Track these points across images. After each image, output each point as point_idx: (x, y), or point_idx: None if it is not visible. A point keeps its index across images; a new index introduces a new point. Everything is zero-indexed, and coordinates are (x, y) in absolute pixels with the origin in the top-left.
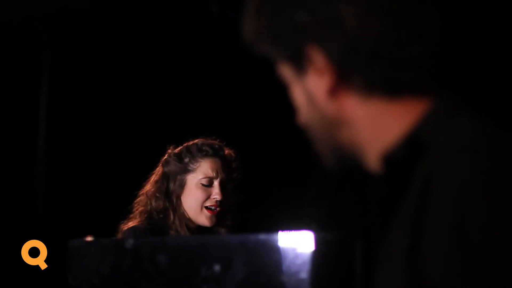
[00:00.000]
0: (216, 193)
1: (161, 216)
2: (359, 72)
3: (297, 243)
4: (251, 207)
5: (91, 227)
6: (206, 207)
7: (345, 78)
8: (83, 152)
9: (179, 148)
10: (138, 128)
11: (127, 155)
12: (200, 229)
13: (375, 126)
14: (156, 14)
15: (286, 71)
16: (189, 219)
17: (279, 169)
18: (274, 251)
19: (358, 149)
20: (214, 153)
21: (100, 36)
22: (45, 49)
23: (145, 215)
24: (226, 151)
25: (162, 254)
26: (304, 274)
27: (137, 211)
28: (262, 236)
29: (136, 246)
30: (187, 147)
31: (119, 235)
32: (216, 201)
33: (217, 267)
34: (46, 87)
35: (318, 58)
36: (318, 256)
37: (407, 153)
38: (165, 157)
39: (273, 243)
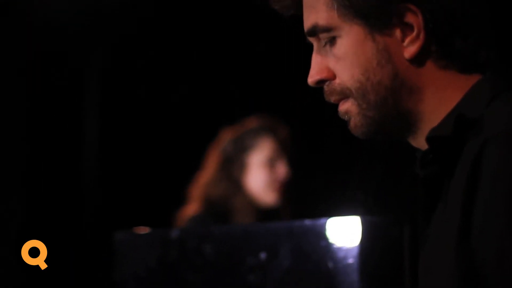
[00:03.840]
0: (281, 170)
1: (222, 201)
2: (446, 40)
3: (344, 229)
4: (297, 192)
5: (145, 218)
6: (271, 186)
7: (433, 43)
8: (134, 139)
9: (234, 129)
10: (189, 111)
11: (178, 142)
12: (263, 212)
13: (440, 97)
14: None
15: (343, 28)
16: (253, 201)
17: (325, 153)
18: (321, 238)
19: (417, 118)
20: (274, 130)
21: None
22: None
23: (204, 202)
24: (283, 128)
25: (207, 244)
26: (351, 260)
27: (195, 198)
28: (308, 223)
29: (181, 237)
30: (245, 127)
31: (178, 224)
32: (282, 178)
33: (263, 256)
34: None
35: (414, 18)
36: (366, 241)
37: (455, 130)
38: (220, 139)
39: (320, 229)
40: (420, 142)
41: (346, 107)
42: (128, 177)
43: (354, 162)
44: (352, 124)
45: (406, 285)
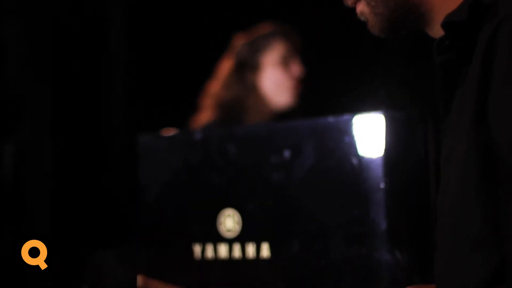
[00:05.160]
0: (295, 69)
1: (235, 104)
2: None
3: (368, 125)
4: (319, 89)
5: (160, 122)
6: (286, 86)
7: None
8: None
9: (247, 34)
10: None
11: (191, 47)
12: (278, 114)
13: None
14: None
15: None
16: (267, 103)
17: (347, 50)
18: (345, 134)
19: (429, 7)
20: (287, 33)
21: None
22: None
23: (217, 107)
24: (296, 32)
25: (230, 144)
26: (375, 155)
27: (208, 106)
28: (332, 119)
29: (204, 138)
30: (258, 31)
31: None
32: (296, 77)
33: (286, 154)
34: None
35: None
36: (390, 136)
37: (471, 15)
38: (233, 45)
39: (343, 125)
40: (436, 31)
41: (361, 8)
42: (152, 80)
43: (375, 59)
44: (369, 24)
45: (430, 177)
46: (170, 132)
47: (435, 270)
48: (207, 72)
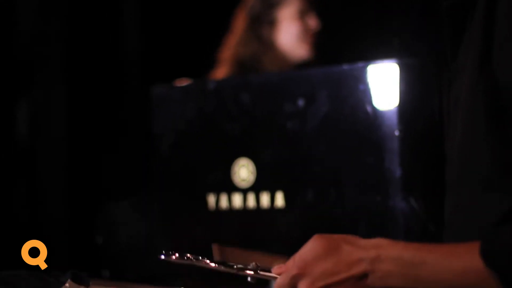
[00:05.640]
0: (312, 21)
1: (252, 61)
2: None
3: (382, 73)
4: (333, 38)
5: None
6: (303, 39)
7: None
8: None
9: None
10: None
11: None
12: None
13: None
14: None
15: None
16: (284, 59)
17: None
18: (359, 82)
19: None
20: None
21: None
22: None
23: (234, 64)
24: None
25: (244, 93)
26: (389, 103)
27: (225, 61)
28: (346, 67)
29: (218, 87)
30: None
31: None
32: (313, 30)
33: (300, 102)
34: None
35: None
36: (404, 84)
37: None
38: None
39: (358, 73)
40: None
41: None
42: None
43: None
44: None
45: (444, 124)
46: (184, 82)
47: (445, 214)
48: (225, 24)
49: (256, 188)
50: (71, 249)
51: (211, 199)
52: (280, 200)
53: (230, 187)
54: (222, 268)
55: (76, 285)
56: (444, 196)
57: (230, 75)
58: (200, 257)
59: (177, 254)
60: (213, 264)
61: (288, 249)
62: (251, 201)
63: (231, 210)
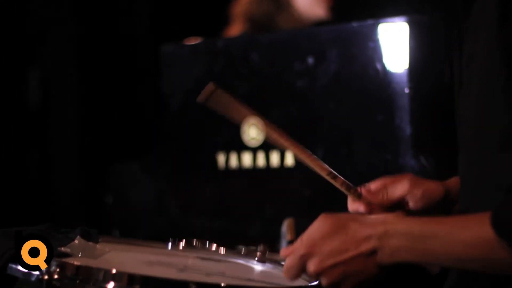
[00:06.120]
0: None
1: (265, 19)
2: None
3: (391, 30)
4: None
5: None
6: (319, 1)
7: None
8: None
9: None
10: None
11: None
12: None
13: None
14: None
15: None
16: (300, 20)
17: None
18: (368, 39)
19: None
20: None
21: None
22: None
23: (248, 21)
24: None
25: (254, 51)
26: (399, 60)
27: (238, 18)
28: (355, 25)
29: (227, 46)
30: None
31: None
32: None
33: (310, 60)
34: None
35: None
36: (413, 41)
37: None
38: None
39: (367, 30)
40: None
41: None
42: None
43: None
44: None
45: (455, 81)
46: (193, 41)
47: (459, 171)
48: None
49: (266, 146)
50: (82, 209)
51: (221, 158)
52: (289, 158)
53: (240, 146)
54: (231, 253)
55: (85, 242)
56: (455, 154)
57: (241, 34)
58: (208, 244)
59: (184, 242)
60: (221, 251)
61: (298, 208)
62: (260, 160)
63: (240, 169)
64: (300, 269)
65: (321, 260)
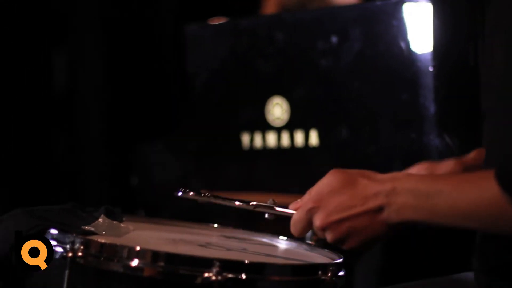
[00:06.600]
0: None
1: (298, 7)
2: None
3: (415, 8)
4: None
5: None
6: None
7: None
8: None
9: None
10: None
11: None
12: None
13: None
14: None
15: None
16: (331, 4)
17: None
18: (392, 18)
19: None
20: None
21: None
22: None
23: (280, 8)
24: None
25: (278, 31)
26: (423, 38)
27: (271, 4)
28: (379, 3)
29: (252, 25)
30: None
31: None
32: None
33: (334, 39)
34: None
35: None
36: (437, 19)
37: None
38: None
39: (391, 9)
40: None
41: None
42: None
43: None
44: None
45: (479, 58)
46: (217, 20)
47: (484, 141)
48: None
49: (290, 126)
50: (108, 190)
51: (245, 138)
52: (314, 138)
53: (264, 126)
54: (238, 204)
55: (110, 220)
56: (479, 132)
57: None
58: (216, 194)
59: (192, 192)
60: (229, 201)
61: None
62: (285, 140)
63: (265, 149)
64: (307, 224)
65: (327, 215)
